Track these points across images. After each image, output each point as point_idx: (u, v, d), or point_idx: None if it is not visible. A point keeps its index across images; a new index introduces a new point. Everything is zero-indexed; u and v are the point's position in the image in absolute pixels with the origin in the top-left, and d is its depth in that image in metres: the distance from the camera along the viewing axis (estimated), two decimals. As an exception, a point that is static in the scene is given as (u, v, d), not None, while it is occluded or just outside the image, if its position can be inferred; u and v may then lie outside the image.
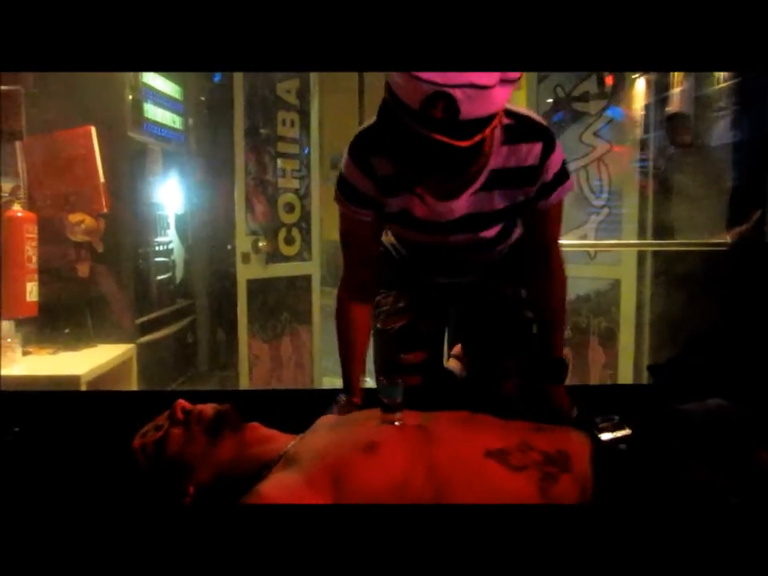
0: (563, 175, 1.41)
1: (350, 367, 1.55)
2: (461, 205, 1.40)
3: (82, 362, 2.55)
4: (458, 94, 1.07)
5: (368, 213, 1.45)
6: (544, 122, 1.38)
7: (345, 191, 1.43)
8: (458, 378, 1.82)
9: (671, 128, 3.17)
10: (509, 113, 1.27)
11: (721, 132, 3.15)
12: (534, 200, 1.41)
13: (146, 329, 3.04)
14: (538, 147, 1.34)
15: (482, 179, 1.36)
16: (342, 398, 1.51)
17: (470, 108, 1.09)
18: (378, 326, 1.72)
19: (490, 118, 1.14)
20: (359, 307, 1.55)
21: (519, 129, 1.32)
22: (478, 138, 1.14)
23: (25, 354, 2.57)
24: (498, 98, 1.13)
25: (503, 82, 1.11)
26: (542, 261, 1.51)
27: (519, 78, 1.15)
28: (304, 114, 3.82)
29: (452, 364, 1.87)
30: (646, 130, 3.41)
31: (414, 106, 1.10)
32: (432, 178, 1.30)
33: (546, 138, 1.36)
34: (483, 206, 1.41)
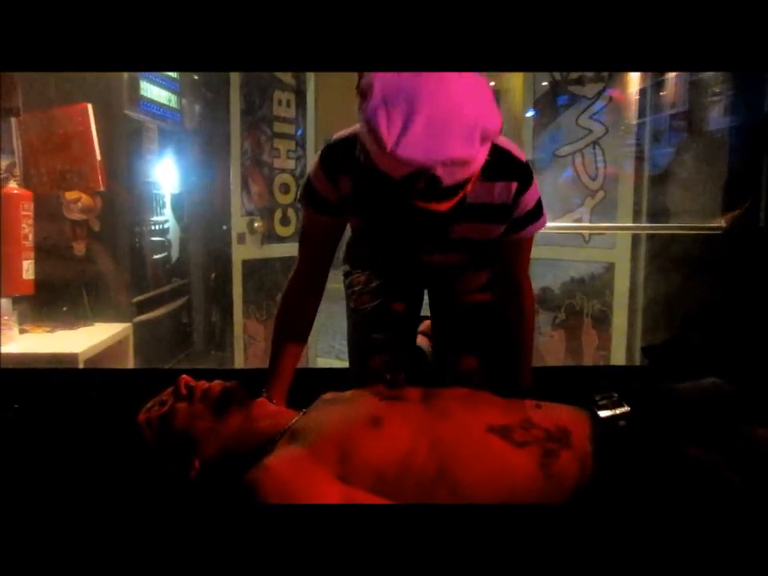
0: (536, 213, 1.41)
1: (280, 367, 1.49)
2: (430, 234, 1.41)
3: (79, 340, 2.55)
4: (439, 170, 1.04)
5: (329, 219, 1.44)
6: (522, 159, 1.36)
7: (309, 195, 1.43)
8: (427, 355, 1.84)
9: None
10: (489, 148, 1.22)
11: (716, 116, 3.17)
12: (505, 234, 1.42)
13: (142, 308, 3.04)
14: (513, 186, 1.34)
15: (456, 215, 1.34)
16: (265, 395, 1.44)
17: (452, 178, 1.07)
18: (351, 305, 1.73)
19: (470, 178, 1.12)
20: (305, 304, 1.53)
21: (497, 165, 1.26)
22: (458, 197, 1.13)
23: (21, 332, 2.57)
24: (479, 160, 1.10)
25: (483, 141, 1.08)
26: (511, 289, 1.53)
27: (500, 132, 1.12)
28: (300, 94, 3.81)
29: (420, 341, 1.89)
30: (642, 114, 3.42)
31: (395, 176, 1.07)
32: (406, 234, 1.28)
33: (522, 177, 1.35)
34: (456, 236, 1.42)
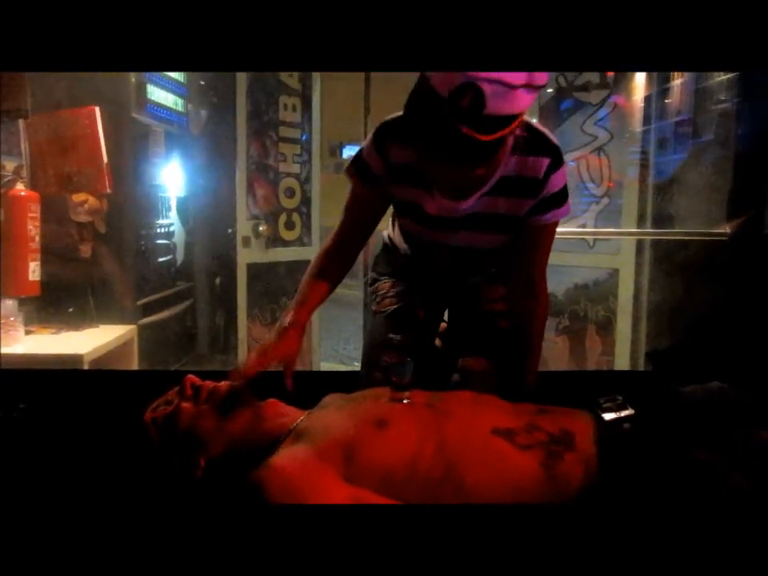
0: (561, 197, 1.47)
1: (307, 295, 1.54)
2: (467, 205, 1.45)
3: (84, 341, 2.55)
4: (486, 87, 1.10)
5: (373, 191, 1.51)
6: (555, 140, 1.43)
7: (358, 167, 1.51)
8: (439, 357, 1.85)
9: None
10: (523, 125, 1.30)
11: (721, 123, 3.17)
12: (530, 214, 1.46)
13: (147, 310, 3.04)
14: (545, 162, 1.40)
15: (490, 184, 1.41)
16: (289, 315, 1.52)
17: (496, 104, 1.13)
18: (374, 308, 1.78)
19: (511, 118, 1.18)
20: (339, 258, 1.57)
21: (530, 141, 1.37)
22: (498, 134, 1.18)
23: (27, 333, 2.58)
24: (522, 101, 1.16)
25: (528, 87, 1.15)
26: (527, 288, 1.56)
27: (544, 86, 1.19)
28: (306, 99, 3.83)
29: (438, 343, 1.90)
30: (648, 120, 3.43)
31: (443, 93, 1.13)
32: (446, 172, 1.33)
33: (555, 154, 1.41)
34: (487, 209, 1.46)
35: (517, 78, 1.12)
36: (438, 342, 1.90)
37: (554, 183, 1.43)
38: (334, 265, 1.57)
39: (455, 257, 1.63)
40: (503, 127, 1.17)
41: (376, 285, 1.81)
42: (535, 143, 1.39)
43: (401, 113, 1.39)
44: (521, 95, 1.14)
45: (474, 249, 1.58)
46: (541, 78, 1.16)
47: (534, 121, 1.42)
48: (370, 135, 1.49)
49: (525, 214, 1.46)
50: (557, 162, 1.41)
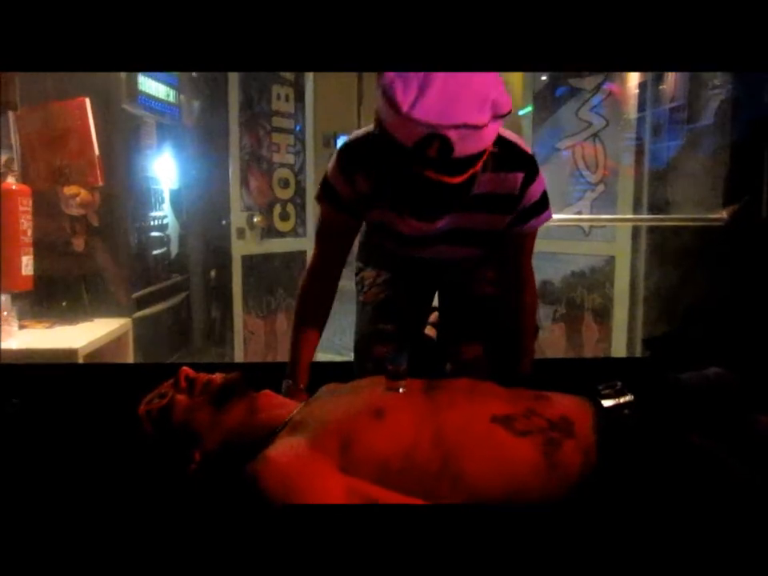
0: (541, 205, 1.44)
1: (299, 354, 1.55)
2: (441, 224, 1.42)
3: (78, 335, 2.54)
4: (452, 134, 1.07)
5: (344, 217, 1.48)
6: (528, 151, 1.40)
7: (326, 193, 1.47)
8: (433, 345, 1.85)
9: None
10: (496, 140, 1.24)
11: (717, 109, 3.16)
12: (510, 226, 1.44)
13: (141, 303, 3.03)
14: (519, 176, 1.37)
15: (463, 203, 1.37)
16: (289, 382, 1.52)
17: (464, 147, 1.10)
18: (361, 298, 1.76)
19: (481, 154, 1.15)
20: (321, 296, 1.56)
21: (504, 157, 1.33)
22: (469, 173, 1.15)
23: (21, 327, 2.56)
24: (490, 136, 1.14)
25: (495, 118, 1.12)
26: (514, 280, 1.56)
27: (509, 113, 1.15)
28: (299, 89, 3.80)
29: (429, 331, 1.89)
30: (643, 106, 3.41)
31: (408, 144, 1.10)
32: (418, 207, 1.30)
33: (529, 167, 1.38)
34: (465, 225, 1.44)
35: (482, 116, 1.09)
36: (432, 332, 1.89)
37: (531, 195, 1.40)
38: (318, 302, 1.56)
39: (436, 264, 1.63)
40: (474, 164, 1.15)
41: (361, 274, 1.78)
42: (508, 158, 1.35)
43: (363, 131, 1.39)
44: (488, 130, 1.12)
45: (455, 258, 1.58)
46: (506, 105, 1.13)
47: (507, 132, 1.38)
48: (334, 158, 1.44)
49: (504, 227, 1.44)
50: (531, 174, 1.38)
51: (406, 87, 1.08)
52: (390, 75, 1.11)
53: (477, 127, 1.08)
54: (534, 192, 1.41)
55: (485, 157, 1.16)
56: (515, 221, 1.43)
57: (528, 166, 1.38)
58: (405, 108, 1.07)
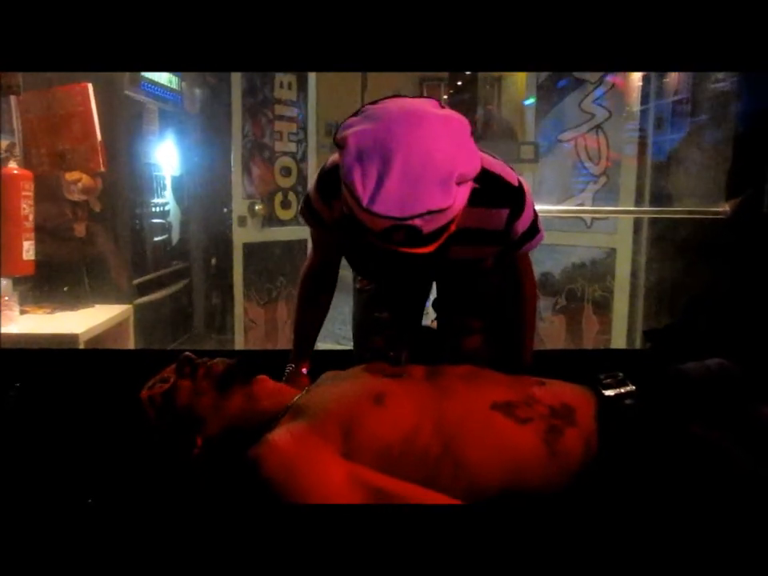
0: (532, 232, 1.39)
1: (302, 339, 1.57)
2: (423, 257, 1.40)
3: (79, 321, 2.54)
4: (417, 222, 1.03)
5: (330, 233, 1.44)
6: (514, 183, 1.32)
7: (307, 212, 1.45)
8: (432, 333, 1.84)
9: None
10: (479, 174, 1.15)
11: (720, 102, 3.15)
12: (501, 253, 1.42)
13: (143, 290, 3.03)
14: (504, 213, 1.31)
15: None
16: (291, 366, 1.54)
17: (432, 226, 1.05)
18: (357, 285, 1.75)
19: (452, 221, 1.10)
20: (323, 282, 1.57)
21: (487, 192, 1.26)
22: (443, 239, 1.11)
23: (22, 312, 2.56)
24: (458, 204, 1.08)
25: (461, 184, 1.07)
26: (512, 271, 1.52)
27: (479, 173, 1.11)
28: (301, 77, 3.78)
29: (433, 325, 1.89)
30: (646, 98, 3.40)
31: (376, 230, 1.07)
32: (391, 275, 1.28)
33: (514, 202, 1.32)
34: (452, 255, 1.36)
35: (447, 197, 1.04)
36: (433, 324, 1.89)
37: (519, 227, 1.35)
38: (320, 288, 1.57)
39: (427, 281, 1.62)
40: (445, 231, 1.10)
41: None
42: (492, 193, 1.28)
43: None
44: (456, 201, 1.07)
45: (443, 274, 1.57)
46: (473, 169, 1.09)
47: (491, 162, 1.30)
48: (314, 181, 1.41)
49: (496, 253, 1.42)
50: (518, 209, 1.32)
51: (365, 177, 1.04)
52: (349, 159, 1.06)
53: (442, 210, 1.04)
54: (522, 225, 1.35)
55: (458, 217, 1.11)
56: (506, 249, 1.40)
57: (513, 200, 1.32)
58: (365, 202, 1.02)
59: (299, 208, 1.49)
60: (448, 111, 1.14)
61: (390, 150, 1.04)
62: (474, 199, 1.15)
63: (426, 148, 1.05)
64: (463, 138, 1.10)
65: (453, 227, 1.12)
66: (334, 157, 1.34)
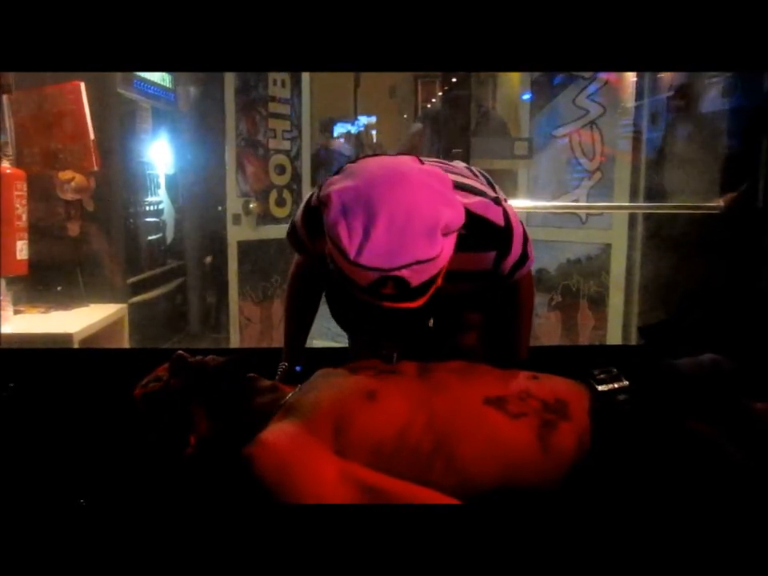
0: (522, 262, 1.38)
1: (293, 337, 1.58)
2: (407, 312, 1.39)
3: (73, 320, 2.54)
4: (405, 273, 1.04)
5: (313, 260, 1.44)
6: (500, 224, 1.31)
7: (293, 239, 1.45)
8: (427, 329, 1.84)
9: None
10: (465, 219, 1.15)
11: (715, 97, 3.15)
12: (494, 285, 1.42)
13: (137, 289, 3.03)
14: (491, 256, 1.32)
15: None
16: (284, 365, 1.54)
17: (420, 278, 1.06)
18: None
19: (439, 273, 1.10)
20: (310, 286, 1.56)
21: (474, 238, 1.26)
22: (430, 293, 1.12)
23: (16, 312, 2.56)
24: (445, 254, 1.09)
25: (447, 235, 1.07)
26: (511, 289, 1.50)
27: (462, 225, 1.11)
28: (295, 74, 3.77)
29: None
30: (640, 94, 3.40)
31: (362, 284, 1.07)
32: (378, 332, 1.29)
33: (501, 243, 1.32)
34: (438, 292, 1.35)
35: (433, 247, 1.04)
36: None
37: (508, 264, 1.35)
38: (309, 287, 1.56)
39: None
40: (433, 283, 1.10)
41: None
42: (479, 237, 1.28)
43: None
44: (442, 251, 1.07)
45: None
46: (458, 219, 1.09)
47: (476, 204, 1.28)
48: (301, 208, 1.38)
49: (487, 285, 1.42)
50: (505, 249, 1.32)
51: (350, 231, 1.04)
52: (333, 214, 1.07)
53: (429, 260, 1.05)
54: (511, 260, 1.35)
55: (444, 269, 1.12)
56: (498, 282, 1.40)
57: (500, 242, 1.32)
58: (352, 255, 1.03)
59: (286, 233, 1.47)
60: (428, 167, 1.15)
61: (375, 204, 1.05)
62: (461, 245, 1.16)
63: (410, 201, 1.06)
64: (445, 190, 1.11)
65: (439, 280, 1.12)
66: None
